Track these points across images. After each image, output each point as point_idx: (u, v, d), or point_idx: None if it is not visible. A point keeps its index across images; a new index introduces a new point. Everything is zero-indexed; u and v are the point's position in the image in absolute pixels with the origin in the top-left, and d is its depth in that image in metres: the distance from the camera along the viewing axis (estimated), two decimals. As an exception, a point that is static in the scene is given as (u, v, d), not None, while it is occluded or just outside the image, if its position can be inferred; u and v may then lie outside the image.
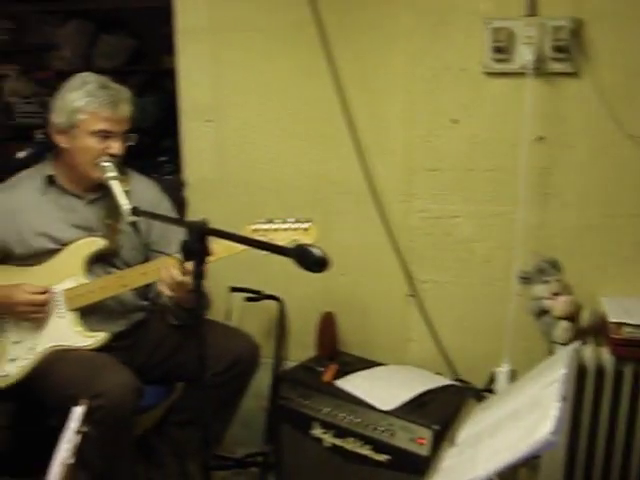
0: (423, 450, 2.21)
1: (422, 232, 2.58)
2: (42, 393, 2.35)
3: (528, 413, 1.51)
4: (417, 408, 2.29)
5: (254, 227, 2.20)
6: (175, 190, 2.76)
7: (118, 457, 2.20)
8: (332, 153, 2.63)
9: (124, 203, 2.16)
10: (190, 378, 2.43)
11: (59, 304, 2.35)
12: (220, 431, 2.46)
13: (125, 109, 2.34)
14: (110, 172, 2.26)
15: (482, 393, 2.39)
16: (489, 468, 1.42)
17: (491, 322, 2.51)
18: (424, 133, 2.51)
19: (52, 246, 2.37)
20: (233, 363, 2.32)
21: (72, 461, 1.37)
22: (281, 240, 2.15)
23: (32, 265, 2.38)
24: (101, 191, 2.42)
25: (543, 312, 2.29)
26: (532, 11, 2.29)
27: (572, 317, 2.25)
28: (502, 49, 2.33)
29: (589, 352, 2.21)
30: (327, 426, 2.40)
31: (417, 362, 2.62)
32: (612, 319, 2.18)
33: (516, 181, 2.37)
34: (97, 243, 2.37)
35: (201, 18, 2.70)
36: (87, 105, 2.28)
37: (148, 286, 2.42)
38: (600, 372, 2.19)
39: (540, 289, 2.28)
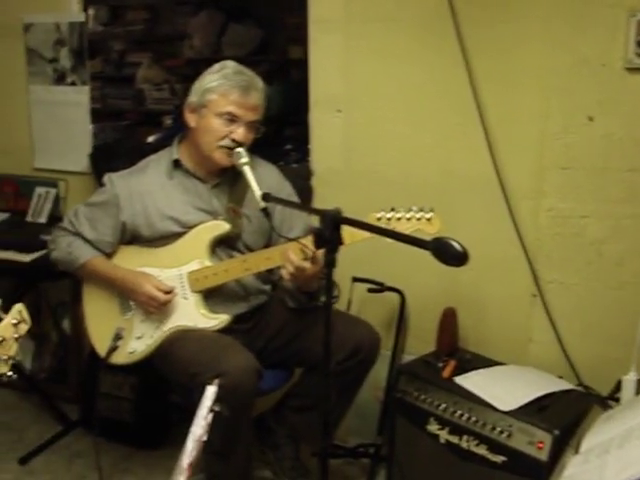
0: (542, 455, 2.14)
1: (550, 231, 2.50)
2: (165, 370, 2.44)
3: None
4: (537, 411, 2.22)
5: (378, 215, 2.19)
6: (301, 178, 2.79)
7: (236, 436, 2.25)
8: (461, 147, 2.59)
9: (257, 189, 2.20)
10: (309, 364, 2.46)
11: (184, 286, 2.42)
12: (336, 419, 2.48)
13: (255, 96, 2.37)
14: (243, 158, 2.30)
15: (607, 401, 2.30)
16: (619, 480, 1.37)
17: (620, 327, 2.41)
18: (558, 130, 2.43)
19: (178, 229, 2.44)
20: (354, 351, 2.33)
21: (205, 438, 1.41)
22: (404, 230, 2.14)
23: (158, 247, 2.47)
24: (224, 176, 2.48)
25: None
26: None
27: None
28: (648, 43, 2.23)
29: None
30: (443, 422, 2.37)
31: (537, 364, 2.55)
32: None
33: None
34: (222, 227, 2.42)
35: (335, 8, 2.70)
36: (219, 86, 2.34)
37: (270, 270, 2.46)
38: None
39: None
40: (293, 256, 2.19)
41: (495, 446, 2.24)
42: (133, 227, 2.46)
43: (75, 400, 3.36)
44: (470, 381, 2.38)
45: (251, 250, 2.47)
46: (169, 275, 2.43)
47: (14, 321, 1.70)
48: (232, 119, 2.35)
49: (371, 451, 2.80)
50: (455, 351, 2.60)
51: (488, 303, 2.66)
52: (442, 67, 2.57)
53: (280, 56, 4.46)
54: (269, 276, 2.56)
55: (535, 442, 2.16)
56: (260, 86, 2.40)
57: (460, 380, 2.39)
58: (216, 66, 2.41)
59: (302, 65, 3.00)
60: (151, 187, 2.45)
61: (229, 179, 2.47)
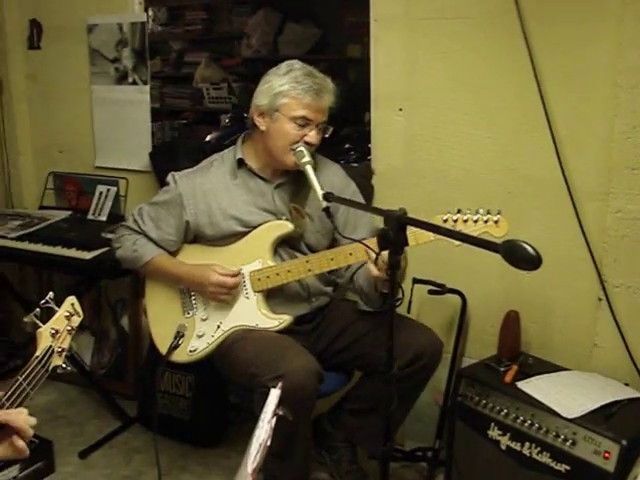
0: (608, 465, 2.08)
1: (617, 233, 2.42)
2: (225, 369, 2.44)
3: None
4: (603, 419, 2.16)
5: (444, 217, 2.15)
6: (361, 177, 2.76)
7: (295, 438, 2.24)
8: (526, 146, 2.54)
9: (318, 189, 2.18)
10: (369, 368, 2.44)
11: (245, 285, 2.42)
12: (395, 424, 2.44)
13: (327, 99, 2.36)
14: (305, 157, 2.29)
15: (677, 410, 2.23)
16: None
17: (691, 335, 2.33)
18: (627, 129, 2.35)
19: (241, 229, 2.44)
20: (416, 358, 2.30)
21: (269, 443, 1.39)
22: (470, 232, 2.09)
23: (221, 246, 2.48)
24: (288, 176, 2.47)
25: None
26: None
27: None
28: None
29: None
30: (504, 428, 2.32)
31: (602, 370, 2.48)
32: None
33: None
34: (285, 227, 2.42)
35: (397, 6, 2.67)
36: (291, 90, 2.32)
37: (332, 272, 2.44)
38: None
39: None
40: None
41: (558, 454, 2.19)
42: (196, 226, 2.46)
43: (133, 397, 3.40)
44: (533, 386, 2.33)
45: (313, 250, 2.46)
46: (231, 274, 2.43)
47: (67, 313, 1.72)
48: (304, 123, 2.33)
49: (429, 455, 2.76)
50: (517, 355, 2.55)
51: (552, 306, 2.60)
52: (507, 65, 2.52)
53: (337, 55, 4.44)
54: (331, 277, 2.54)
55: (601, 452, 2.10)
56: (331, 88, 2.38)
57: (522, 385, 2.34)
58: (283, 67, 2.38)
59: (360, 64, 2.98)
60: (215, 186, 2.46)
61: (292, 179, 2.46)
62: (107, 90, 3.48)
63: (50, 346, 1.66)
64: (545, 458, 2.23)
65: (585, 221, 2.47)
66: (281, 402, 1.65)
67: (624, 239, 2.42)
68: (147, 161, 3.39)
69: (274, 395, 1.46)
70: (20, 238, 3.23)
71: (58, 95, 3.67)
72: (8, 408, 1.54)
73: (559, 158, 2.46)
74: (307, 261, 2.34)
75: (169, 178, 2.51)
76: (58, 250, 3.09)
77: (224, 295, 2.39)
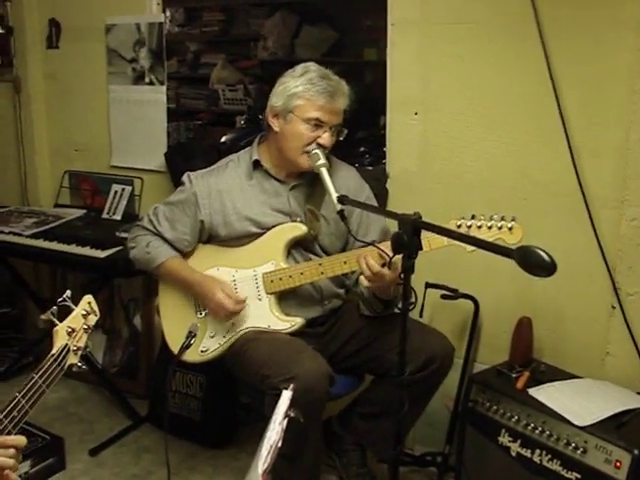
0: (620, 475, 2.06)
1: (632, 241, 2.41)
2: (236, 371, 2.45)
3: None
4: (615, 428, 2.15)
5: (458, 223, 2.15)
6: (376, 181, 2.76)
7: (305, 440, 2.24)
8: (541, 153, 2.53)
9: (333, 191, 2.18)
10: (381, 372, 2.44)
11: (258, 287, 2.42)
12: (406, 428, 2.44)
13: (342, 101, 2.36)
14: (320, 160, 2.29)
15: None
16: None
17: None
18: (644, 136, 2.35)
19: (255, 230, 2.44)
20: (427, 362, 2.30)
21: (280, 444, 1.39)
22: (484, 239, 2.08)
23: (235, 246, 2.48)
24: (303, 178, 2.47)
25: None
26: None
27: None
28: None
29: None
30: (515, 435, 2.32)
31: (614, 378, 2.46)
32: None
33: None
34: (299, 229, 2.42)
35: (414, 10, 2.67)
36: (305, 92, 2.32)
37: (345, 274, 2.44)
38: None
39: None
40: (372, 261, 2.16)
41: (569, 462, 2.18)
42: (210, 226, 2.47)
43: (144, 396, 3.41)
44: (544, 393, 2.32)
45: (327, 253, 2.46)
46: (244, 275, 2.44)
47: (83, 312, 1.73)
48: (318, 124, 2.33)
49: (438, 460, 2.76)
50: (529, 362, 2.54)
51: (565, 313, 2.59)
52: (523, 70, 2.51)
53: (354, 58, 4.44)
54: (344, 280, 2.54)
55: (612, 461, 2.08)
56: (345, 90, 2.38)
57: (534, 392, 2.33)
58: (298, 69, 2.39)
59: (376, 67, 2.98)
60: (230, 187, 2.46)
61: (308, 181, 2.47)
62: (124, 90, 3.50)
63: (66, 344, 1.67)
64: (555, 466, 2.22)
65: (600, 228, 2.46)
66: (292, 404, 1.66)
67: (639, 247, 2.41)
68: (162, 161, 3.40)
69: (286, 397, 1.46)
70: (35, 236, 3.26)
71: (75, 94, 3.70)
72: (24, 405, 1.55)
73: (574, 165, 2.45)
74: (320, 264, 2.34)
75: (184, 178, 2.52)
76: (72, 248, 3.11)
77: (222, 316, 2.40)
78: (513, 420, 2.32)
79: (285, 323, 2.38)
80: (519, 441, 2.31)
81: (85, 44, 3.58)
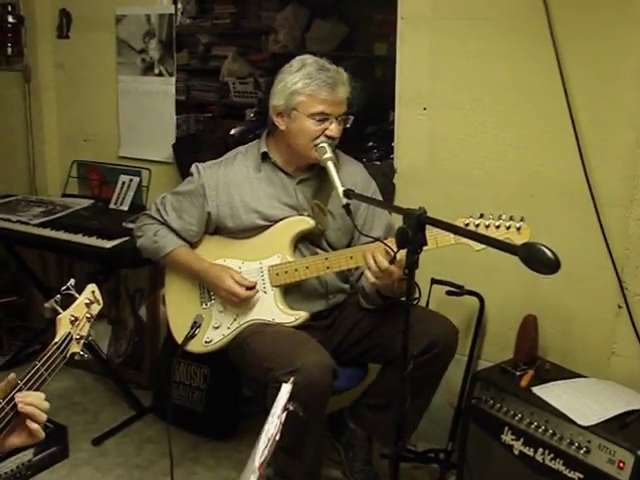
0: (623, 475, 2.05)
1: (640, 241, 2.40)
2: (240, 362, 2.45)
3: None
4: (619, 428, 2.14)
5: (466, 221, 2.14)
6: (383, 176, 2.76)
7: (307, 434, 2.24)
8: (549, 150, 2.52)
9: (339, 185, 2.18)
10: (385, 360, 2.44)
11: (264, 279, 2.42)
12: (412, 422, 2.44)
13: (343, 91, 2.34)
14: (327, 153, 2.28)
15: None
16: None
17: None
18: (654, 135, 2.33)
19: (262, 223, 2.44)
20: (430, 345, 2.28)
21: (278, 437, 1.39)
22: (492, 237, 2.08)
23: (242, 239, 2.48)
24: (311, 171, 2.46)
25: None
26: None
27: None
28: None
29: None
30: (518, 433, 2.31)
31: (620, 379, 2.45)
32: None
33: None
34: (306, 222, 2.41)
35: (424, 5, 2.66)
36: (305, 87, 2.30)
37: (349, 269, 2.43)
38: None
39: None
40: (380, 258, 2.15)
41: (572, 462, 2.17)
42: (218, 218, 2.47)
43: (148, 386, 3.42)
44: (548, 392, 2.31)
45: (333, 248, 2.45)
46: (250, 268, 2.44)
47: (87, 301, 1.73)
48: (324, 117, 2.32)
49: (441, 457, 2.75)
50: (534, 360, 2.53)
51: (571, 312, 2.58)
52: (533, 67, 2.50)
53: (364, 53, 4.43)
54: (349, 275, 2.54)
55: (616, 461, 2.07)
56: (345, 78, 2.36)
57: (538, 390, 2.33)
58: (294, 64, 2.37)
59: (387, 62, 2.97)
60: (238, 179, 2.46)
61: (316, 175, 2.46)
62: (133, 81, 3.50)
63: (69, 333, 1.67)
64: (558, 465, 2.21)
65: (607, 227, 2.44)
66: (294, 397, 1.66)
67: (647, 247, 2.40)
68: (170, 152, 3.41)
69: (285, 390, 1.46)
70: (42, 225, 3.26)
71: (85, 84, 3.70)
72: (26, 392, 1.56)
73: (583, 163, 2.44)
74: (326, 258, 2.34)
75: (193, 169, 2.52)
76: (79, 238, 3.11)
77: (233, 303, 2.41)
78: (516, 418, 2.31)
79: (289, 316, 2.38)
80: (522, 439, 2.30)
81: (95, 34, 3.59)
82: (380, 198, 2.54)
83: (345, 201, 2.12)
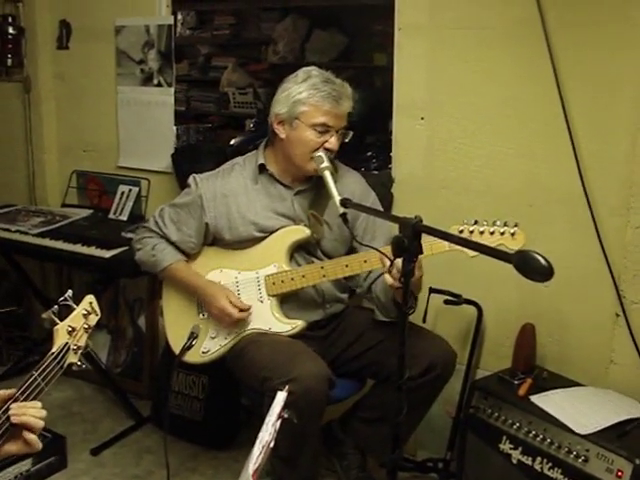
0: (621, 484, 2.06)
1: (638, 249, 2.40)
2: (237, 372, 2.45)
3: None
4: (617, 437, 2.13)
5: (460, 228, 2.15)
6: (381, 185, 2.76)
7: (303, 443, 2.24)
8: (547, 159, 2.52)
9: (336, 194, 2.18)
10: (382, 377, 2.43)
11: (260, 289, 2.43)
12: (406, 434, 2.44)
13: (347, 105, 2.35)
14: (324, 163, 2.29)
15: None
16: None
17: None
18: (651, 144, 2.33)
19: (258, 234, 2.44)
20: (428, 368, 2.29)
21: (273, 445, 1.39)
22: (486, 244, 2.08)
23: (238, 249, 2.49)
24: (309, 183, 2.47)
25: None
26: None
27: None
28: None
29: None
30: (516, 442, 2.31)
31: (618, 387, 2.45)
32: None
33: None
34: (302, 231, 2.42)
35: (421, 15, 2.67)
36: (310, 97, 2.31)
37: (347, 278, 2.44)
38: None
39: None
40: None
41: (570, 470, 2.17)
42: (215, 229, 2.48)
43: (147, 396, 3.41)
44: (547, 401, 2.31)
45: (330, 257, 2.45)
46: (246, 277, 2.44)
47: (84, 312, 1.73)
48: (325, 129, 2.33)
49: (440, 466, 2.74)
50: (532, 369, 2.53)
51: (568, 321, 2.58)
52: (529, 76, 2.51)
53: (363, 63, 4.44)
54: (347, 284, 2.54)
55: (614, 470, 2.07)
56: (349, 93, 2.37)
57: (536, 399, 2.33)
58: (300, 74, 2.38)
59: (386, 72, 2.98)
60: (235, 190, 2.47)
61: (313, 186, 2.47)
62: (132, 91, 3.51)
63: (66, 343, 1.67)
64: (556, 474, 2.21)
65: (605, 236, 2.45)
66: (289, 405, 1.66)
67: (644, 255, 2.40)
68: (169, 162, 3.41)
69: (280, 397, 1.46)
70: (41, 235, 3.27)
71: (84, 95, 3.71)
72: (22, 402, 1.56)
73: (580, 172, 2.44)
74: (322, 267, 2.35)
75: (190, 180, 2.52)
76: (78, 248, 3.12)
77: (225, 323, 2.41)
78: (515, 427, 2.31)
79: (286, 325, 2.38)
80: (520, 448, 2.30)
81: (95, 45, 3.60)
82: (380, 208, 2.54)
83: (342, 210, 2.12)
